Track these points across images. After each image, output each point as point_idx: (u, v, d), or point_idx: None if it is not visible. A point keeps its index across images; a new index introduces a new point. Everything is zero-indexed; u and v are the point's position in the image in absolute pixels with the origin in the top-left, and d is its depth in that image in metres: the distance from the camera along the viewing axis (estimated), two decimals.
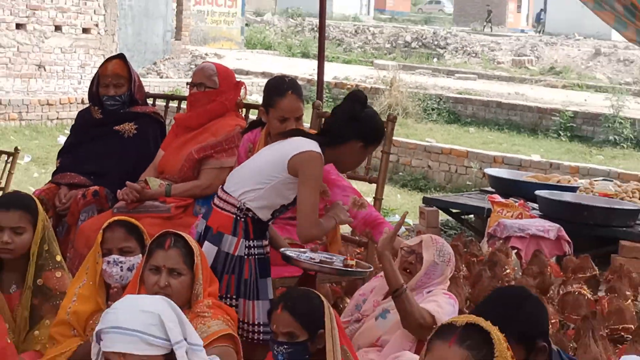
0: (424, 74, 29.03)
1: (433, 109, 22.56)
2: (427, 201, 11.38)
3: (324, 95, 8.91)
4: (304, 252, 5.53)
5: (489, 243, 8.91)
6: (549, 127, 21.60)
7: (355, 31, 38.36)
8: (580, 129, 21.36)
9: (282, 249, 5.51)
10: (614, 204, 10.29)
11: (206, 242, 5.15)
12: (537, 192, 10.22)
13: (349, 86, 22.52)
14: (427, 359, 3.59)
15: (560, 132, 21.28)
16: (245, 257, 5.15)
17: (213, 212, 5.24)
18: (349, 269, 5.57)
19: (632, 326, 6.30)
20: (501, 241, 8.74)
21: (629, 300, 6.82)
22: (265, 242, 5.34)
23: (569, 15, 40.92)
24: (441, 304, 5.42)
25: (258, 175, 5.22)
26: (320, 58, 8.66)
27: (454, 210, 11.24)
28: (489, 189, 11.47)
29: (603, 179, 12.63)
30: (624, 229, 9.44)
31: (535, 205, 9.96)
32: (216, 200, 5.29)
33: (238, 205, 5.15)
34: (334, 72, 23.92)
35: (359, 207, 6.02)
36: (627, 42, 8.43)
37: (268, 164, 5.25)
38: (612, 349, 5.84)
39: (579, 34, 39.88)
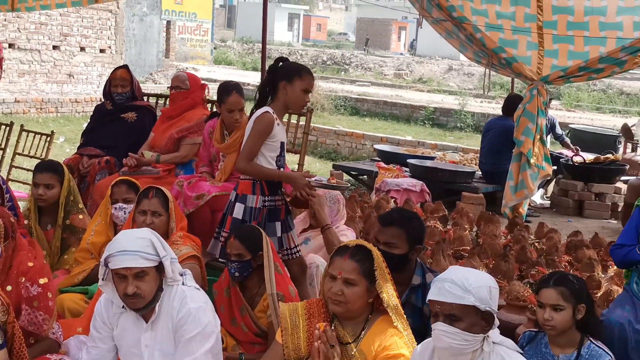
0: (335, 82, 29.01)
1: (341, 106, 22.63)
2: (335, 167, 11.42)
3: None
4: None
5: (376, 194, 8.96)
6: (418, 118, 21.81)
7: (289, 53, 38.10)
8: (439, 119, 21.63)
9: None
10: (458, 167, 10.44)
11: (237, 203, 5.02)
12: (409, 160, 10.28)
13: None
14: (329, 269, 3.63)
15: (425, 122, 21.52)
16: (262, 207, 5.00)
17: (239, 183, 5.09)
18: (334, 184, 5.78)
19: (468, 247, 6.40)
20: (384, 193, 8.79)
21: (467, 231, 6.90)
22: (277, 197, 5.12)
23: (431, 42, 41.06)
24: (349, 236, 5.57)
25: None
26: (263, 71, 8.60)
27: (353, 173, 11.28)
28: (377, 159, 11.51)
29: (452, 152, 12.82)
30: (465, 184, 9.54)
31: (407, 169, 10.02)
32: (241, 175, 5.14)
33: None
34: None
35: None
36: (469, 60, 8.56)
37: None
38: (455, 263, 5.90)
39: (438, 56, 40.08)
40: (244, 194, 5.03)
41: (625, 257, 4.48)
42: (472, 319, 3.21)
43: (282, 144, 5.10)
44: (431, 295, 3.28)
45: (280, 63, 5.11)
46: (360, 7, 66.08)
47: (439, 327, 3.21)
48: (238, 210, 5.00)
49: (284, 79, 4.97)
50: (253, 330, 4.46)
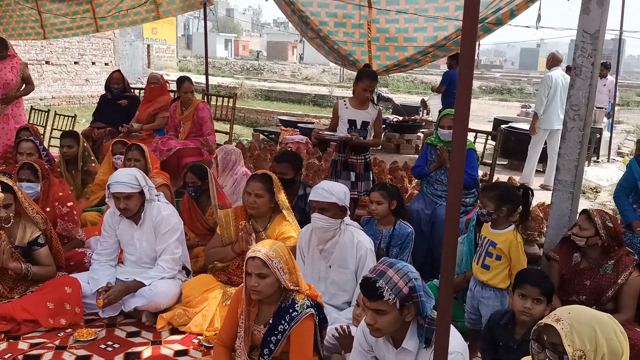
0: (255, 80, 28.42)
1: (259, 95, 22.14)
2: (255, 130, 11.22)
3: (210, 90, 8.55)
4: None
5: (280, 146, 8.86)
6: (305, 100, 21.49)
7: (226, 64, 37.05)
8: (317, 101, 21.25)
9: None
10: (326, 128, 10.35)
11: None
12: (299, 124, 10.24)
13: (224, 86, 21.84)
14: (246, 188, 3.55)
15: (309, 102, 21.18)
16: (336, 161, 4.63)
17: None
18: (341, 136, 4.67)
19: None
20: (284, 145, 8.72)
21: None
22: (347, 155, 4.55)
23: (313, 54, 40.94)
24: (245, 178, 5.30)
25: None
26: (207, 74, 8.28)
27: (266, 134, 11.11)
28: (280, 124, 11.38)
29: (324, 119, 12.75)
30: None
31: (298, 130, 9.94)
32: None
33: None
34: (216, 80, 23.01)
35: None
36: (334, 65, 8.46)
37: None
38: None
39: (317, 63, 39.86)
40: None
41: (419, 173, 4.51)
42: (335, 210, 3.23)
43: (350, 120, 4.47)
44: (311, 197, 3.29)
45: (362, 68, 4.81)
46: (269, 34, 66.25)
47: (315, 216, 3.24)
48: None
49: (355, 80, 4.49)
50: (205, 227, 4.38)
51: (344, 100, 4.56)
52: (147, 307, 3.40)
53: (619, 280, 3.07)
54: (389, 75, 7.00)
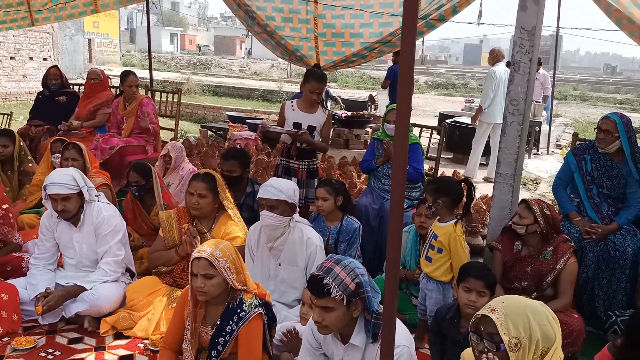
0: (202, 75, 27.87)
1: (206, 90, 21.71)
2: (203, 127, 11.04)
3: (154, 85, 8.33)
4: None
5: (228, 142, 8.76)
6: (254, 96, 21.30)
7: (172, 58, 36.24)
8: (266, 96, 21.07)
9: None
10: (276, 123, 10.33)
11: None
12: (247, 120, 10.13)
13: (169, 81, 21.36)
14: (189, 188, 3.49)
15: (259, 98, 21.00)
16: (279, 165, 4.36)
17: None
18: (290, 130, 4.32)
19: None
20: (233, 141, 8.63)
21: None
22: (291, 160, 4.29)
23: (261, 49, 40.63)
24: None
25: None
26: (150, 69, 8.05)
27: (214, 130, 10.96)
28: (229, 120, 11.23)
29: (274, 115, 12.68)
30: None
31: (246, 126, 9.84)
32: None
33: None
34: (162, 75, 22.46)
35: None
36: (282, 60, 8.37)
37: None
38: None
39: (265, 58, 39.56)
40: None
41: (366, 167, 4.53)
42: (284, 208, 3.22)
43: (295, 123, 4.18)
44: (260, 195, 3.26)
45: (315, 68, 4.37)
46: (216, 28, 65.21)
47: (265, 213, 3.22)
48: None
49: (303, 81, 4.21)
50: (149, 227, 4.28)
51: (292, 102, 4.28)
52: (89, 312, 3.28)
53: (558, 266, 3.17)
54: (337, 70, 7.02)
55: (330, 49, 6.63)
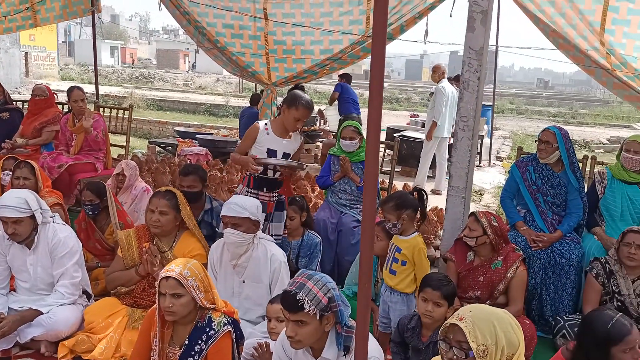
0: (145, 90, 27.35)
1: (150, 105, 21.36)
2: (150, 142, 10.82)
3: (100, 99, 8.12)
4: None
5: (178, 158, 8.65)
6: (200, 110, 21.10)
7: (113, 72, 35.28)
8: (213, 111, 20.96)
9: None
10: (227, 139, 10.23)
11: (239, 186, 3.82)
12: (197, 136, 10.05)
13: (111, 96, 20.86)
14: (150, 205, 3.44)
15: (205, 112, 20.89)
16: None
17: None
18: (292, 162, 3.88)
19: (237, 185, 6.38)
20: (183, 157, 8.54)
21: (235, 175, 6.88)
22: (261, 193, 3.68)
23: (207, 63, 40.41)
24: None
25: None
26: (96, 84, 7.87)
27: (162, 145, 10.77)
28: (177, 136, 11.07)
29: (222, 130, 12.64)
30: (232, 148, 9.43)
31: (196, 141, 9.74)
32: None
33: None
34: (103, 90, 21.89)
35: None
36: (230, 74, 8.35)
37: None
38: (229, 195, 5.85)
39: (210, 72, 39.25)
40: (240, 184, 3.83)
41: (324, 183, 4.57)
42: (247, 225, 3.23)
43: (270, 150, 3.65)
44: (223, 212, 3.25)
45: (296, 90, 3.79)
46: (158, 42, 64.17)
47: (228, 231, 3.21)
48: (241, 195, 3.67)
49: (284, 104, 3.68)
50: (104, 247, 4.18)
51: (265, 124, 3.69)
52: (46, 336, 3.16)
53: (508, 274, 3.32)
54: (288, 85, 7.12)
55: (282, 65, 6.71)
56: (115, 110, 7.07)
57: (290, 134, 3.71)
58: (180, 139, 10.12)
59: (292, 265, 3.61)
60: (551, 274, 3.77)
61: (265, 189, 3.72)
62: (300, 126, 3.68)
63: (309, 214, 3.85)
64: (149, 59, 57.98)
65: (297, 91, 3.76)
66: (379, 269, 3.60)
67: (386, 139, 9.43)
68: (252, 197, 3.60)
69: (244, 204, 3.21)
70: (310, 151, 10.05)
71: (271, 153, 3.66)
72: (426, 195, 3.42)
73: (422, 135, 8.78)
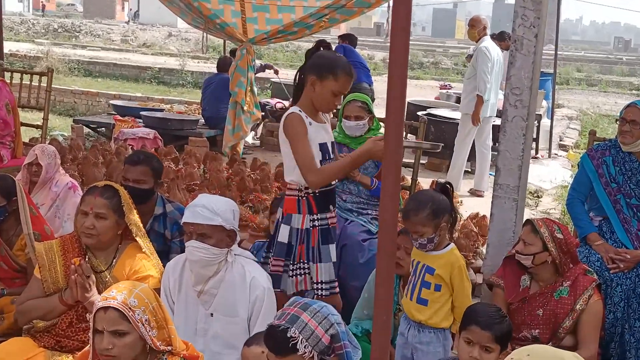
0: (67, 47, 27.32)
1: (75, 69, 21.37)
2: (75, 121, 10.79)
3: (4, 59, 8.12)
4: None
5: (115, 143, 8.65)
6: (145, 77, 21.25)
7: (21, 22, 35.16)
8: (163, 78, 21.20)
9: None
10: (184, 117, 10.34)
11: (282, 225, 3.59)
12: (142, 112, 10.04)
13: (19, 55, 21.07)
14: (81, 207, 3.47)
15: (152, 80, 21.02)
16: (311, 228, 3.55)
17: (284, 200, 3.62)
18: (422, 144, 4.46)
19: (198, 181, 6.43)
20: (122, 141, 8.55)
21: (195, 169, 6.92)
22: (330, 215, 3.60)
23: (153, 12, 40.35)
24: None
25: (286, 158, 3.58)
26: (1, 39, 7.85)
27: (92, 126, 10.78)
28: (113, 112, 11.07)
29: (177, 104, 12.70)
30: (190, 130, 9.49)
31: (140, 120, 9.75)
32: (286, 191, 3.63)
33: (297, 187, 3.53)
34: (8, 47, 21.76)
35: None
36: (186, 27, 8.31)
37: (282, 145, 3.60)
38: (188, 195, 5.89)
39: (159, 23, 39.20)
40: (288, 213, 3.60)
41: None
42: (219, 237, 3.24)
43: (322, 145, 3.55)
44: (186, 219, 3.26)
45: (314, 51, 3.61)
46: None
47: (192, 244, 3.21)
48: (283, 233, 3.59)
49: (312, 74, 3.46)
50: (13, 268, 4.14)
51: (299, 110, 3.51)
52: None
53: (577, 307, 3.34)
54: (270, 44, 7.13)
55: (262, 15, 6.73)
56: (27, 76, 7.06)
57: (324, 118, 3.63)
58: (118, 117, 10.14)
59: (279, 293, 3.61)
60: (637, 306, 3.79)
61: (331, 207, 3.62)
62: (339, 103, 3.58)
63: None
64: (73, 4, 57.87)
65: (328, 52, 3.60)
66: (401, 291, 3.62)
67: (407, 119, 9.46)
68: (322, 228, 3.55)
69: (214, 207, 3.22)
70: None
71: (323, 149, 3.54)
72: (453, 189, 3.43)
73: (457, 114, 8.83)
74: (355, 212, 4.47)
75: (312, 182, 3.44)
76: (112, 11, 51.77)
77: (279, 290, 3.55)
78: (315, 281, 3.58)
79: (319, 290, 3.60)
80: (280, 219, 3.64)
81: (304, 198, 3.53)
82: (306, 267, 3.59)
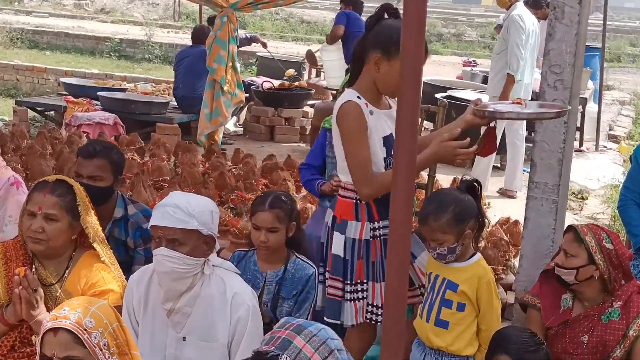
0: (9, 13, 27.34)
1: (17, 39, 21.42)
2: (18, 103, 10.85)
3: None
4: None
5: (67, 130, 8.70)
6: (103, 50, 21.23)
7: None
8: (125, 50, 21.24)
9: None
10: (151, 98, 10.40)
11: (335, 233, 3.54)
12: (99, 93, 10.08)
13: None
14: (28, 206, 3.48)
15: (111, 54, 21.00)
16: (372, 239, 3.51)
17: (337, 202, 3.59)
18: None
19: (168, 177, 6.46)
20: (75, 128, 8.60)
21: (165, 162, 6.95)
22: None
23: None
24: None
25: (340, 154, 3.53)
26: None
27: (39, 109, 10.85)
28: (65, 92, 11.11)
29: (143, 83, 12.73)
30: (159, 115, 9.54)
31: (98, 102, 9.78)
32: (340, 191, 3.61)
33: (354, 188, 3.48)
34: None
35: None
36: None
37: (335, 139, 3.57)
38: (156, 193, 5.93)
39: None
40: (343, 219, 3.55)
41: (309, 186, 4.53)
42: (195, 243, 3.23)
43: (386, 139, 3.48)
44: (154, 221, 3.24)
45: (385, 16, 3.47)
46: None
47: (161, 253, 3.20)
48: (337, 244, 3.54)
49: (377, 50, 3.35)
50: None
51: (358, 97, 3.45)
52: None
53: (631, 332, 3.36)
54: (256, 9, 7.12)
55: None
56: None
57: (386, 101, 3.60)
58: (71, 98, 10.19)
59: (265, 310, 3.63)
60: None
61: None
62: None
63: (300, 227, 3.88)
64: None
65: (397, 21, 3.42)
66: (414, 310, 3.65)
67: (423, 103, 9.47)
68: (385, 239, 3.46)
69: (188, 207, 3.22)
70: (292, 121, 10.10)
71: (388, 144, 3.49)
72: (481, 188, 3.45)
73: (484, 97, 8.84)
74: None
75: (365, 194, 3.42)
76: None
77: (338, 321, 3.50)
78: (370, 302, 3.53)
79: (374, 315, 3.54)
80: (330, 225, 3.62)
81: (363, 202, 3.51)
82: (365, 288, 3.53)
